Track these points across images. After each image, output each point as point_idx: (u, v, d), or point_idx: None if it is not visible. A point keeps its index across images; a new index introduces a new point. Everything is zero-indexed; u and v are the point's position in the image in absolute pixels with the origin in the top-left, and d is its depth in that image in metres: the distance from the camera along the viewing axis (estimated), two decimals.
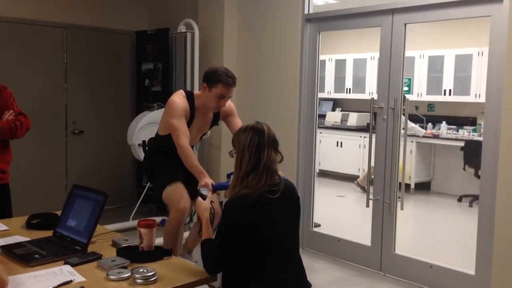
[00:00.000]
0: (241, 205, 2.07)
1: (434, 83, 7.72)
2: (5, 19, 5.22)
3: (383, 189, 4.22)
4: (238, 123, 3.33)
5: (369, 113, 4.43)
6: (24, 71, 5.36)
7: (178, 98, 3.20)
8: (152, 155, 3.53)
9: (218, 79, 3.10)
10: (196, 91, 3.42)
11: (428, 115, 7.85)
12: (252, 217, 2.07)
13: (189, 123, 3.22)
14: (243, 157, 2.12)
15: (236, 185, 2.12)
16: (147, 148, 3.58)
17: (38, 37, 5.49)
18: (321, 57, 4.80)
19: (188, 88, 5.25)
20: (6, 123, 3.14)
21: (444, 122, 7.55)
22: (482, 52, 7.03)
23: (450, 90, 7.53)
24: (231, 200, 2.11)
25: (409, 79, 7.83)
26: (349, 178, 8.12)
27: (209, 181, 2.95)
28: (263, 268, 2.09)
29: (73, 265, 2.06)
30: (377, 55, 4.40)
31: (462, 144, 6.84)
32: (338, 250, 4.58)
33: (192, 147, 3.38)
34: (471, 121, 7.40)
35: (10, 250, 2.21)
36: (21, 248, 2.24)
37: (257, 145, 2.12)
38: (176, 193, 3.21)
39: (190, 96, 3.25)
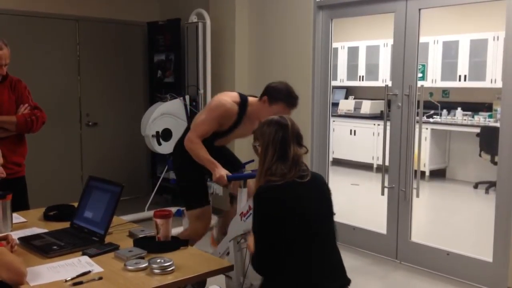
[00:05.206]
0: (272, 188, 2.06)
1: (449, 69, 7.62)
2: (18, 13, 5.25)
3: (398, 177, 4.19)
4: None
5: (382, 101, 4.39)
6: (37, 64, 5.39)
7: (230, 104, 3.04)
8: (181, 155, 3.25)
9: (281, 98, 2.98)
10: (252, 98, 3.17)
11: (443, 102, 7.76)
12: (285, 198, 2.05)
13: (233, 128, 3.12)
14: (267, 152, 2.12)
15: (260, 177, 2.13)
16: (175, 146, 3.41)
17: (50, 30, 5.52)
18: (334, 45, 4.75)
19: (201, 78, 5.25)
20: (21, 117, 3.16)
21: (459, 108, 7.47)
22: (498, 37, 6.92)
23: (465, 76, 7.43)
24: (259, 187, 2.10)
25: (423, 65, 7.74)
26: (363, 166, 8.09)
27: (223, 172, 2.92)
28: (297, 256, 2.05)
29: (91, 256, 2.08)
30: (390, 41, 4.34)
31: (477, 130, 6.77)
32: (354, 238, 4.56)
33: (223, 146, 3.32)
34: (487, 107, 7.30)
35: (28, 242, 2.23)
36: (39, 240, 2.26)
37: (281, 140, 2.12)
38: (201, 218, 3.20)
39: (243, 103, 3.10)
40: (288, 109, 2.99)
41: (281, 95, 2.98)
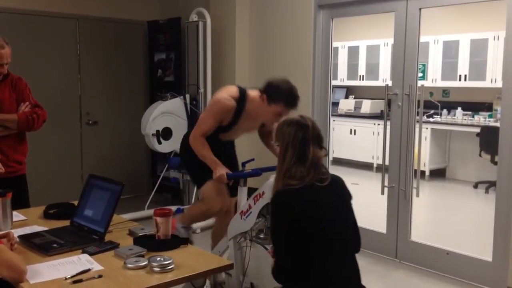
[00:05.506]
0: (289, 192, 2.02)
1: (449, 69, 7.62)
2: (18, 11, 5.26)
3: (398, 176, 4.19)
4: None
5: (382, 100, 4.39)
6: (37, 63, 5.39)
7: (227, 99, 2.97)
8: (186, 149, 3.26)
9: (281, 98, 2.85)
10: (253, 91, 3.03)
11: (443, 101, 7.76)
12: (302, 202, 2.01)
13: (232, 123, 3.06)
14: (286, 153, 2.09)
15: (279, 180, 2.09)
16: (183, 143, 3.39)
17: (51, 29, 5.53)
18: (334, 44, 4.76)
19: (201, 77, 5.25)
20: (22, 115, 3.17)
21: (459, 108, 7.47)
22: (498, 36, 6.92)
23: (465, 76, 7.43)
24: (277, 192, 2.06)
25: (424, 65, 7.74)
26: (363, 166, 8.09)
27: (223, 171, 2.92)
28: (314, 261, 2.01)
29: (91, 254, 2.08)
30: (390, 41, 4.34)
31: (478, 130, 6.77)
32: None
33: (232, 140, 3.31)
34: (487, 107, 7.30)
35: (28, 240, 2.23)
36: (39, 238, 2.26)
37: (301, 141, 2.08)
38: (215, 190, 3.10)
39: (242, 96, 3.00)
40: (288, 110, 2.90)
41: (281, 96, 2.85)
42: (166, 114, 5.16)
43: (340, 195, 2.16)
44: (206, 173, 3.06)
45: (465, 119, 7.29)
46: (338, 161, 8.32)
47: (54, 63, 5.57)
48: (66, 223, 2.49)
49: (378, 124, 7.80)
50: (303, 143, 2.08)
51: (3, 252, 1.82)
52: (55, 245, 2.16)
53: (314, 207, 2.03)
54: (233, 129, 3.13)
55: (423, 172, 7.23)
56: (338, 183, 2.17)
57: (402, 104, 4.12)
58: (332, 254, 2.04)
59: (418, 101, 4.07)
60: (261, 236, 2.78)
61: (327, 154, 2.19)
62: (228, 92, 3.03)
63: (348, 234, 2.14)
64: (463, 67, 7.47)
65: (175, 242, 2.22)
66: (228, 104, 2.98)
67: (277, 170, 2.13)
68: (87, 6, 5.73)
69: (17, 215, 2.65)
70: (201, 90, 5.28)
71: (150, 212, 2.46)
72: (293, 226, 1.99)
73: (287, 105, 2.89)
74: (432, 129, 7.40)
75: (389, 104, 4.27)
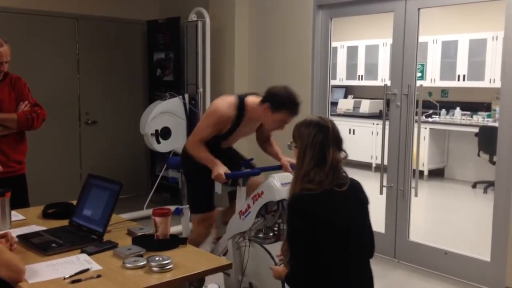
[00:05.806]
0: (306, 197, 1.96)
1: (448, 69, 7.62)
2: (18, 11, 5.25)
3: (397, 176, 4.20)
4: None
5: (381, 100, 4.39)
6: (36, 62, 5.39)
7: (226, 108, 2.95)
8: (187, 160, 3.24)
9: (285, 107, 2.84)
10: (251, 96, 3.02)
11: (441, 101, 7.77)
12: (319, 208, 1.96)
13: (232, 131, 3.04)
14: (305, 156, 2.02)
15: (296, 183, 2.03)
16: (182, 152, 3.39)
17: (50, 28, 5.52)
18: (333, 44, 4.76)
19: (200, 77, 5.25)
20: (22, 115, 3.17)
21: (458, 108, 7.47)
22: (497, 36, 6.92)
23: (464, 76, 7.44)
24: (293, 196, 2.01)
25: (422, 65, 7.74)
26: (362, 166, 8.09)
27: (221, 170, 2.89)
28: (331, 265, 1.99)
29: (89, 254, 2.08)
30: (389, 41, 4.35)
31: (476, 130, 6.78)
32: None
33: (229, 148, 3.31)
34: (486, 107, 7.31)
35: (27, 239, 2.23)
36: (38, 237, 2.26)
37: (321, 144, 2.02)
38: (204, 224, 3.18)
39: (241, 105, 2.97)
40: (291, 117, 2.89)
41: (284, 104, 2.84)
42: (165, 113, 5.16)
43: (358, 200, 2.12)
44: (201, 205, 3.18)
45: (463, 119, 7.30)
46: None
47: (53, 63, 5.56)
48: (65, 222, 2.49)
49: (377, 124, 7.80)
50: (323, 146, 2.02)
51: (2, 252, 1.82)
52: (53, 244, 2.16)
53: (331, 213, 1.99)
54: (231, 136, 3.10)
55: (421, 172, 7.24)
56: (356, 187, 2.13)
57: (401, 104, 4.13)
58: (350, 259, 2.02)
59: (417, 101, 4.08)
60: (260, 235, 2.78)
61: (346, 157, 2.13)
62: (227, 101, 2.99)
63: (365, 239, 2.12)
64: (461, 67, 7.47)
65: (173, 242, 2.23)
66: (227, 113, 2.95)
67: (295, 173, 2.08)
68: (86, 6, 5.73)
69: (16, 215, 2.65)
70: (200, 90, 5.28)
71: (149, 211, 2.47)
72: (309, 231, 1.96)
73: (292, 113, 2.87)
74: (430, 129, 7.40)
75: (388, 104, 4.28)
